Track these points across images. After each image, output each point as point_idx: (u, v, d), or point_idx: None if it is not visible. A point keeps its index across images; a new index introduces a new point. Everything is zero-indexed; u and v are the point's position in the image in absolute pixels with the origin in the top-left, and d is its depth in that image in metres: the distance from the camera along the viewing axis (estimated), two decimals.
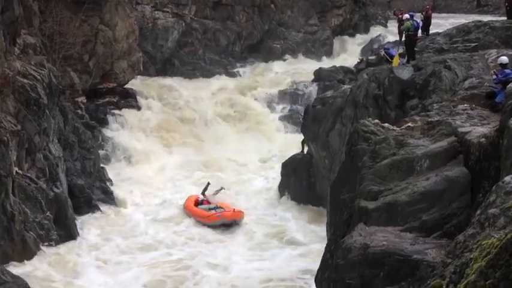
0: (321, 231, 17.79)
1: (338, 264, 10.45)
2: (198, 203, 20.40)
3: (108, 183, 21.70)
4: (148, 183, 23.33)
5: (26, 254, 15.62)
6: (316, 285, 12.14)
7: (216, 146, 27.97)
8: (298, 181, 21.56)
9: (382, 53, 23.02)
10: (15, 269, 14.78)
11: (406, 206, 10.26)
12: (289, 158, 22.55)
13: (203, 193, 21.13)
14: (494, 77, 13.24)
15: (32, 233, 15.99)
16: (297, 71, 34.45)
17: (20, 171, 16.43)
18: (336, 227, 12.64)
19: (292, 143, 25.02)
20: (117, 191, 21.66)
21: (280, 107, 31.24)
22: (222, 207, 19.87)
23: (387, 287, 9.41)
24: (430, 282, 3.30)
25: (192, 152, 27.27)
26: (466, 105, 13.28)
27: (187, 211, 20.21)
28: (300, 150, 22.69)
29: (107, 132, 25.50)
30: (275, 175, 23.39)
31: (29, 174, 16.93)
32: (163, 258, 16.83)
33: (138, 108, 27.90)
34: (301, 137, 23.09)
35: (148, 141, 26.72)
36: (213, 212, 19.59)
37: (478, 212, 7.31)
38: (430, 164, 10.76)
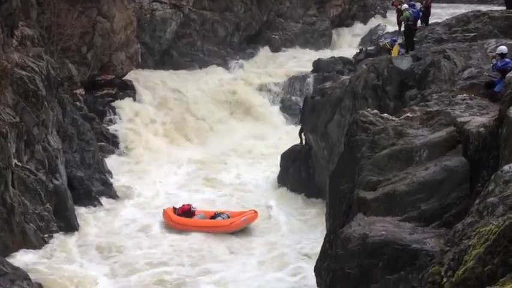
0: (320, 222, 17.78)
1: (337, 254, 10.48)
2: (190, 213, 18.46)
3: (107, 175, 21.71)
4: (147, 175, 23.35)
5: (26, 245, 15.67)
6: (315, 275, 12.19)
7: (214, 138, 27.99)
8: (297, 172, 21.59)
9: (382, 43, 22.94)
10: (16, 260, 14.83)
11: (405, 196, 10.27)
12: (288, 149, 22.58)
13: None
14: (494, 61, 13.19)
15: (31, 224, 16.03)
16: (295, 62, 34.39)
17: (19, 163, 16.44)
18: (335, 218, 12.67)
19: (291, 134, 25.01)
20: (117, 183, 21.69)
21: (279, 98, 31.23)
22: (225, 213, 18.46)
23: (386, 276, 9.45)
24: (429, 269, 3.31)
25: (190, 144, 27.31)
26: (465, 95, 13.25)
27: (184, 226, 18.07)
28: (298, 142, 22.72)
29: (106, 124, 25.49)
30: (274, 166, 23.43)
31: (28, 166, 16.93)
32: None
33: (137, 100, 27.87)
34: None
35: (147, 133, 26.72)
36: (220, 218, 18.11)
37: (477, 201, 7.32)
38: (429, 154, 10.76)
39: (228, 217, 18.19)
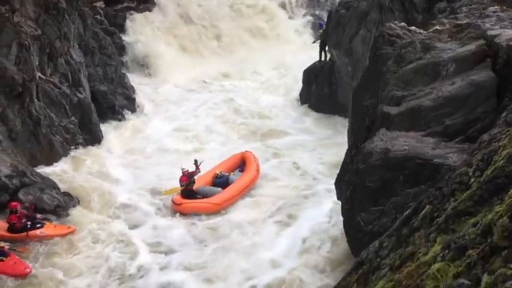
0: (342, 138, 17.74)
1: (358, 168, 10.55)
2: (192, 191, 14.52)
3: (129, 90, 21.78)
4: (167, 90, 23.44)
5: (53, 156, 16.07)
6: (336, 189, 12.36)
7: (236, 54, 27.70)
8: (319, 88, 21.40)
9: None
10: (44, 170, 15.26)
11: (430, 111, 10.14)
12: (311, 65, 22.28)
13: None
14: None
15: (58, 136, 16.35)
16: None
17: (42, 76, 16.52)
18: (357, 133, 12.63)
19: (314, 50, 24.54)
20: (139, 97, 21.80)
21: (302, 12, 30.45)
22: (224, 172, 15.51)
23: (407, 190, 9.54)
24: (456, 170, 3.30)
25: (211, 59, 27.08)
26: (496, 7, 12.70)
27: (217, 206, 14.20)
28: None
29: (126, 38, 25.26)
30: (296, 83, 23.24)
31: (52, 79, 17.01)
32: None
33: (157, 13, 27.41)
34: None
35: (167, 48, 26.51)
36: (234, 177, 15.30)
37: (504, 114, 7.21)
38: (457, 68, 10.49)
39: (226, 175, 15.31)
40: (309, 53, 25.36)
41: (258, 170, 15.65)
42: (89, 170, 16.00)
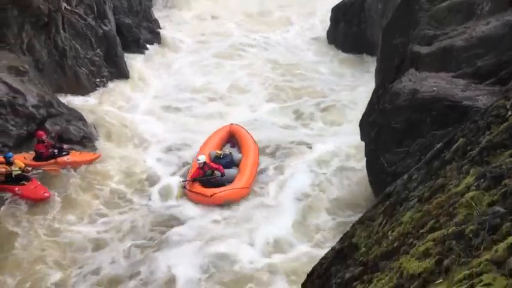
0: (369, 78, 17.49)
1: (385, 108, 10.42)
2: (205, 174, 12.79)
3: (154, 24, 21.57)
4: (191, 25, 23.17)
5: (79, 88, 16.13)
6: (360, 130, 12.27)
7: None
8: (348, 27, 20.91)
9: None
10: (70, 101, 15.38)
11: (462, 52, 9.87)
12: (339, 3, 21.72)
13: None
14: None
15: (83, 68, 16.36)
16: None
17: (68, 7, 16.36)
18: (386, 73, 12.42)
19: None
20: (163, 31, 21.60)
21: None
22: (226, 151, 13.89)
23: (433, 132, 9.43)
24: (493, 103, 3.22)
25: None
26: None
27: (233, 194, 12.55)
28: None
29: None
30: (324, 21, 22.76)
31: (77, 11, 16.86)
32: None
33: None
34: None
35: None
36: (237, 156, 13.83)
37: None
38: (492, 7, 10.12)
39: (229, 154, 13.71)
40: None
41: (255, 142, 14.17)
42: (114, 103, 16.08)
